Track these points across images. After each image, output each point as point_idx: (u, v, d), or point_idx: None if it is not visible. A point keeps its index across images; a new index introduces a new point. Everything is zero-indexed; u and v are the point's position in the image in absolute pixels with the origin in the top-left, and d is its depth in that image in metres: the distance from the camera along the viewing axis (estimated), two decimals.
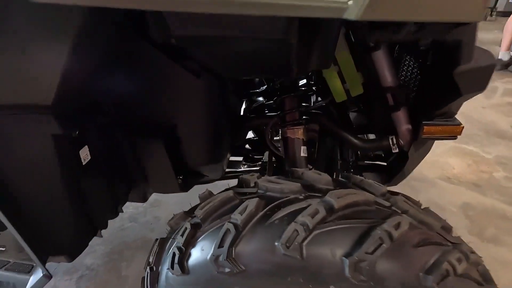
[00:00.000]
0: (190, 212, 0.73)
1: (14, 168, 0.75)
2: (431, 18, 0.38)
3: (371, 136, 1.19)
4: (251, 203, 0.60)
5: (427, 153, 0.98)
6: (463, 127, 0.85)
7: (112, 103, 0.90)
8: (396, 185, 1.10)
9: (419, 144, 0.92)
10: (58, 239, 0.90)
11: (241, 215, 0.59)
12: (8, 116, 0.69)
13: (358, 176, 0.69)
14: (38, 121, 0.72)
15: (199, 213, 0.66)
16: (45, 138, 0.74)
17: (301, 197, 0.61)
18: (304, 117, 1.03)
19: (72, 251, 0.96)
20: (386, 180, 1.13)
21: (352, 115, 1.23)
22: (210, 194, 0.74)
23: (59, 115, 0.73)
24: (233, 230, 0.58)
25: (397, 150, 0.98)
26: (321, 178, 0.64)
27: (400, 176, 1.06)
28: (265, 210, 0.59)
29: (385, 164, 1.18)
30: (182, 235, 0.65)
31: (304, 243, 0.53)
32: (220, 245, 0.58)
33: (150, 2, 0.39)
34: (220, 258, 0.57)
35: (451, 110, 0.84)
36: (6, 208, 0.73)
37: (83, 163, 0.90)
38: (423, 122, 0.85)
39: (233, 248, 0.57)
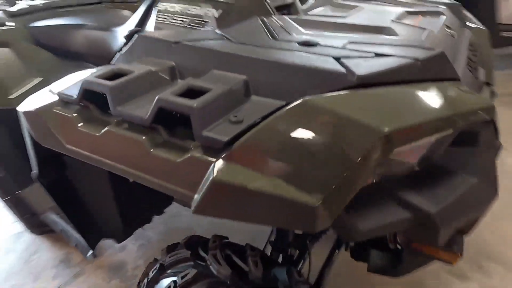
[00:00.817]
0: (172, 249, 0.93)
1: (83, 189, 1.12)
2: (261, 223, 0.41)
3: None
4: (191, 273, 0.74)
5: (424, 265, 0.88)
6: (460, 256, 0.74)
7: None
8: (397, 277, 1.01)
9: (414, 252, 0.84)
10: (108, 229, 1.28)
11: (182, 279, 0.74)
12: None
13: (299, 279, 0.74)
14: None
15: (167, 259, 0.85)
16: (103, 174, 1.07)
17: (228, 283, 0.71)
18: None
19: (119, 237, 1.35)
20: (391, 265, 1.05)
21: None
22: (188, 241, 0.92)
23: None
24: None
25: (393, 247, 0.91)
26: (253, 272, 0.72)
27: (397, 271, 0.97)
28: (198, 283, 0.73)
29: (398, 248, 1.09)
30: (152, 272, 0.86)
31: None
32: None
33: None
34: None
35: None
36: (72, 210, 1.11)
37: (131, 180, 1.24)
38: None
39: None
